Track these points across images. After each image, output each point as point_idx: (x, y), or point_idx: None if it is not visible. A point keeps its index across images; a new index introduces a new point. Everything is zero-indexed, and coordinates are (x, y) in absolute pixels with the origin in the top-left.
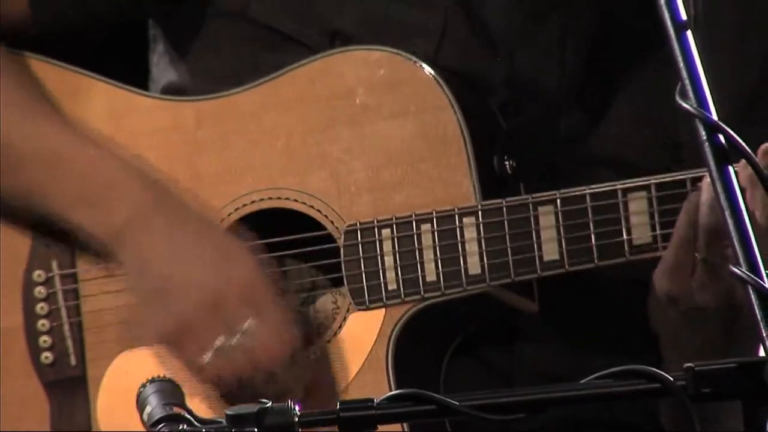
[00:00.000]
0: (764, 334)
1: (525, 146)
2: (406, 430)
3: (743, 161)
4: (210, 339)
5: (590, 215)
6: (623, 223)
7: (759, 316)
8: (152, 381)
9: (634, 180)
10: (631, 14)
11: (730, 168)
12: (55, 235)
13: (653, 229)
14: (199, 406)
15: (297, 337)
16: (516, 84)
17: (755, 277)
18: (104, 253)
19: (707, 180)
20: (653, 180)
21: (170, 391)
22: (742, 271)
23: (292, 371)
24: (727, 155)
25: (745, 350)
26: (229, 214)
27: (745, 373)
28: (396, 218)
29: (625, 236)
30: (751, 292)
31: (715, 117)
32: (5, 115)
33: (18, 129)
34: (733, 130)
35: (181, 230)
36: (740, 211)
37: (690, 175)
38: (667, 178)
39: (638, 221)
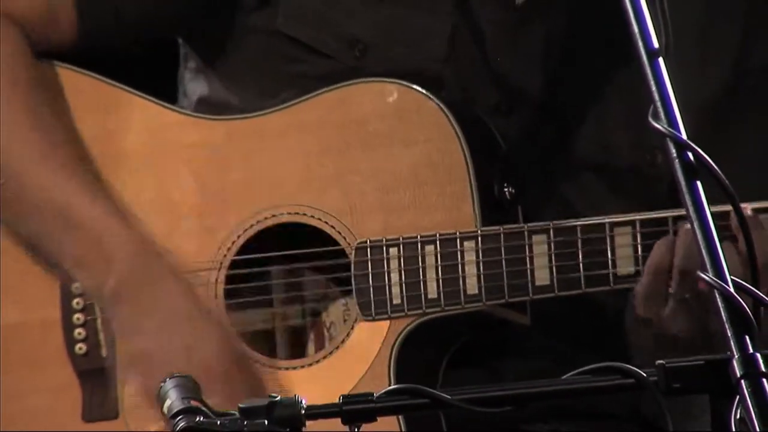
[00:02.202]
0: (729, 335)
1: (522, 172)
2: (403, 428)
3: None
4: None
5: (579, 246)
6: (609, 254)
7: (724, 318)
8: (172, 377)
9: (621, 216)
10: (613, 24)
11: (698, 183)
12: None
13: (636, 262)
14: None
15: None
16: (506, 86)
17: (721, 283)
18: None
19: (687, 226)
20: (638, 217)
21: (188, 386)
22: (709, 277)
23: None
24: (695, 171)
25: None
26: (251, 226)
27: (712, 369)
28: (403, 238)
29: (610, 267)
30: (717, 295)
31: (684, 136)
32: (27, 160)
33: (33, 173)
34: (696, 139)
35: (159, 309)
36: (707, 222)
37: (672, 214)
38: (651, 215)
39: (623, 254)
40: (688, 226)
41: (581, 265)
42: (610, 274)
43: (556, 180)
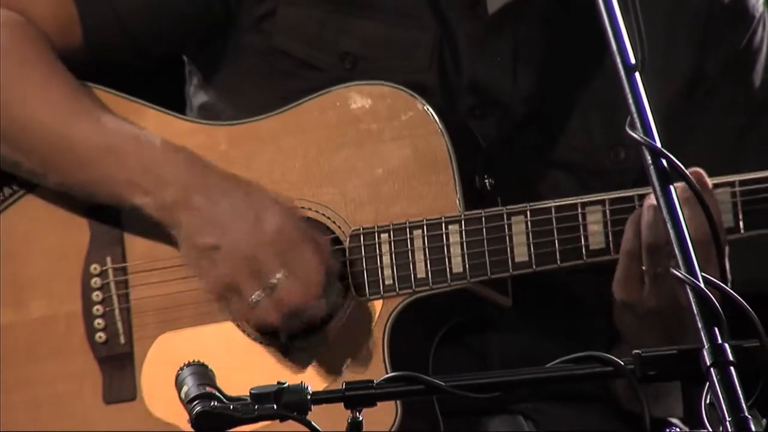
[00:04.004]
0: (700, 326)
1: (500, 167)
2: (398, 408)
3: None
4: (248, 295)
5: (554, 224)
6: (582, 231)
7: (695, 311)
8: (188, 365)
9: (592, 196)
10: (581, 33)
11: (671, 187)
12: (110, 234)
13: (607, 237)
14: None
15: (324, 278)
16: (478, 90)
17: (692, 278)
18: (160, 227)
19: (648, 202)
20: (607, 196)
21: (204, 373)
22: (682, 274)
23: (322, 303)
24: (668, 176)
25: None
26: None
27: (684, 358)
28: (393, 225)
29: (583, 242)
30: (689, 290)
31: (658, 144)
32: (63, 115)
33: (76, 127)
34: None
35: (218, 205)
36: (680, 223)
37: (638, 193)
38: (619, 194)
39: (594, 230)
40: (650, 201)
41: (556, 241)
42: (583, 248)
43: (530, 177)
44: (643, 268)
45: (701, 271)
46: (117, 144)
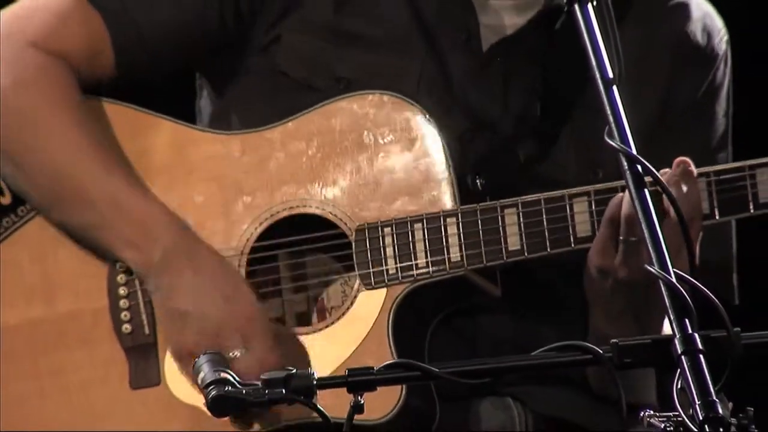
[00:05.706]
0: (671, 318)
1: (491, 169)
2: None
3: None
4: None
5: (544, 215)
6: (569, 220)
7: (667, 304)
8: (205, 353)
9: (578, 188)
10: (567, 64)
11: (645, 190)
12: None
13: (593, 225)
14: None
15: (277, 363)
16: (470, 116)
17: (665, 274)
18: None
19: None
20: (592, 188)
21: (219, 361)
22: (655, 270)
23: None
24: (642, 180)
25: (657, 313)
26: (266, 219)
27: (658, 347)
28: (395, 220)
29: (570, 231)
30: (661, 285)
31: (634, 152)
32: (79, 160)
33: (88, 174)
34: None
35: (200, 274)
36: (653, 222)
37: (620, 184)
38: (604, 186)
39: (581, 219)
40: None
41: (546, 230)
42: (571, 236)
43: (517, 186)
44: (620, 238)
45: (691, 248)
46: (123, 199)
